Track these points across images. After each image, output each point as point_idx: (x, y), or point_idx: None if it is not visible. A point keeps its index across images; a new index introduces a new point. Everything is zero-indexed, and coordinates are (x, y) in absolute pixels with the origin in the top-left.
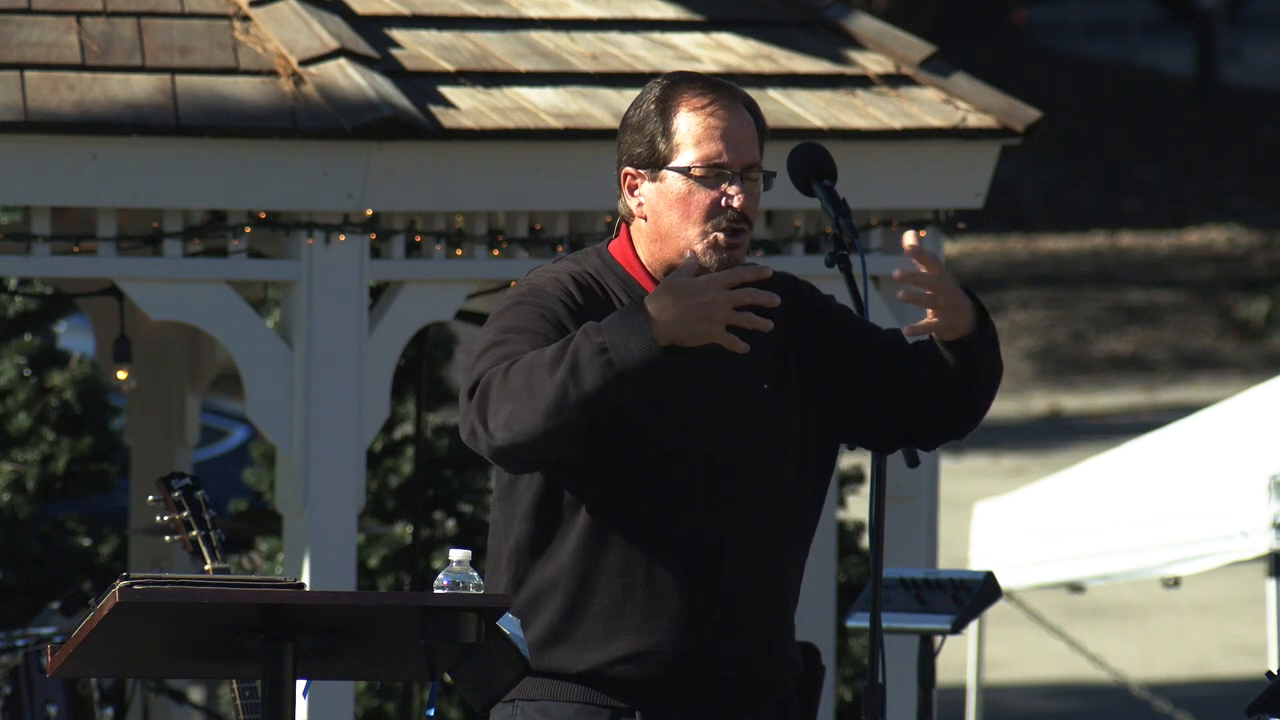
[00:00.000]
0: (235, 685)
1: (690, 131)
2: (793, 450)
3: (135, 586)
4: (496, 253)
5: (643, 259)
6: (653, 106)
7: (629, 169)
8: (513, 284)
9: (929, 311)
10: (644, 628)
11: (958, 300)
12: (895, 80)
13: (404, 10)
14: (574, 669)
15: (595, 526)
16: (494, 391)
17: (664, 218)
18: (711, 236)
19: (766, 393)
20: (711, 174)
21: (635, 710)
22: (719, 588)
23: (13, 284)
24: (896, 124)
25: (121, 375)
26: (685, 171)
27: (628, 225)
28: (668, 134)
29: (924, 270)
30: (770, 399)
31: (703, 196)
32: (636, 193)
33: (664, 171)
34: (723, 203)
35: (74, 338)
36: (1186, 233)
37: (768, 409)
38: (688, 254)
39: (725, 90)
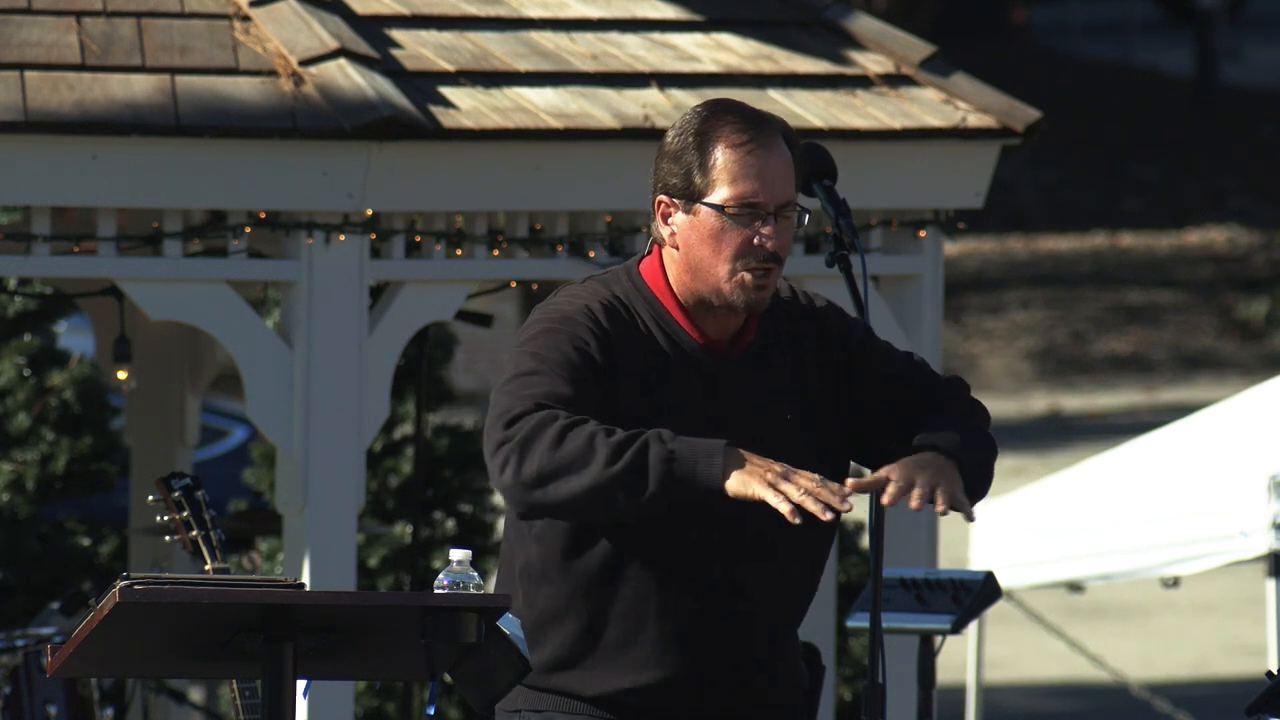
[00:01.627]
0: (235, 685)
1: (727, 169)
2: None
3: (135, 586)
4: (496, 253)
5: (673, 286)
6: (691, 138)
7: (663, 197)
8: (548, 288)
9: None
10: (655, 660)
11: (937, 475)
12: (895, 80)
13: (404, 10)
14: (584, 694)
15: (610, 558)
16: (544, 444)
17: (695, 251)
18: (739, 276)
19: (790, 424)
20: (746, 213)
21: None
22: (734, 621)
23: (13, 284)
24: (896, 124)
25: (121, 375)
26: (720, 209)
27: (660, 248)
28: (705, 168)
29: (889, 498)
30: (792, 430)
31: (735, 235)
32: (670, 221)
33: (698, 205)
34: (755, 241)
35: (74, 338)
36: (1186, 233)
37: (789, 441)
38: None
39: (764, 125)
